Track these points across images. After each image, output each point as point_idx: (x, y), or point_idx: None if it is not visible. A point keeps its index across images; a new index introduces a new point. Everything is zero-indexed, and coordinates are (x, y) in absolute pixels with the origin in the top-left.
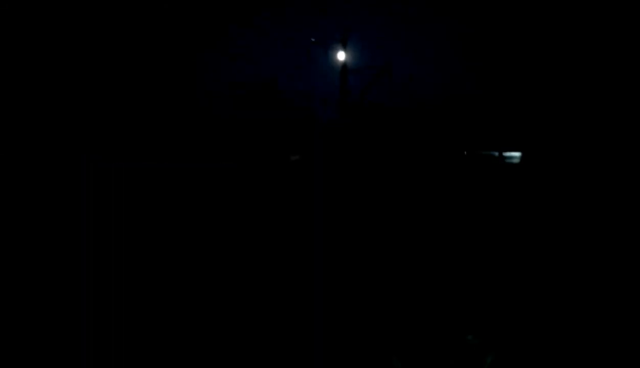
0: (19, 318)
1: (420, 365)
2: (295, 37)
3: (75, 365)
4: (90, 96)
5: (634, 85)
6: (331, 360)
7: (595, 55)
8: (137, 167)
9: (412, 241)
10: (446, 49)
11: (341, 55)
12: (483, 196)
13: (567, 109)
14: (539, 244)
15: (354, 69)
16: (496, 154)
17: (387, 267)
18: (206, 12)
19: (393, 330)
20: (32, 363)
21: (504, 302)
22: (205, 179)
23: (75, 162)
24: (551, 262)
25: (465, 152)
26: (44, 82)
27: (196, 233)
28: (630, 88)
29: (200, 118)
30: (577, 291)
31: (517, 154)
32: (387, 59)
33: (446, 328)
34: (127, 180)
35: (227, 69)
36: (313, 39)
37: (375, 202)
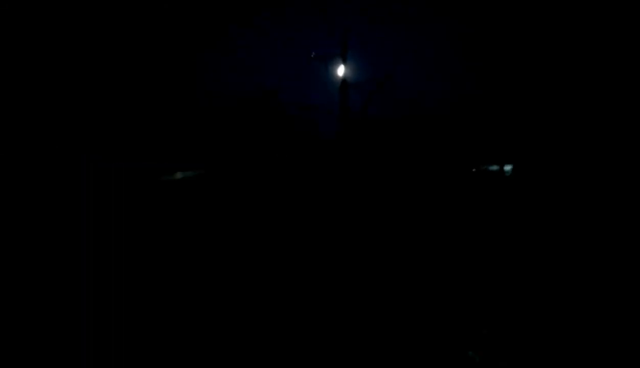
0: (18, 317)
1: None
2: (295, 51)
3: (75, 365)
4: (90, 97)
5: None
6: None
7: (593, 61)
8: (137, 167)
9: (413, 253)
10: (447, 61)
11: (341, 70)
12: (483, 210)
13: (565, 121)
14: (538, 257)
15: (354, 82)
16: (496, 168)
17: (388, 280)
18: (208, 19)
19: (391, 345)
20: (32, 362)
21: (504, 315)
22: (204, 181)
23: (75, 162)
24: (549, 276)
25: (465, 166)
26: (44, 82)
27: (196, 234)
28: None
29: (199, 128)
30: (577, 305)
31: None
32: (387, 71)
33: (447, 343)
34: (127, 180)
35: (226, 80)
36: (313, 54)
37: (379, 216)
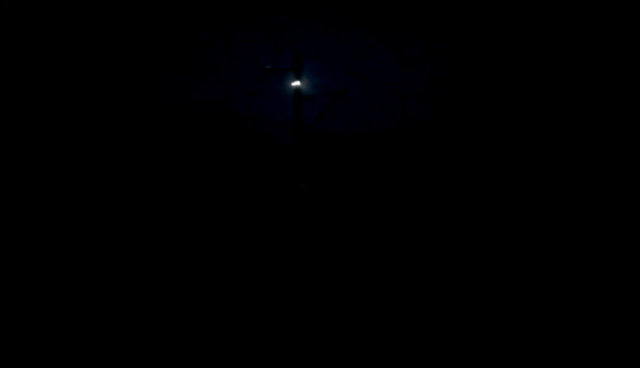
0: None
1: None
2: (251, 64)
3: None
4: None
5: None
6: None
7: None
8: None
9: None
10: (400, 80)
11: (295, 82)
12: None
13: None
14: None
15: (308, 95)
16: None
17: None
18: (165, 30)
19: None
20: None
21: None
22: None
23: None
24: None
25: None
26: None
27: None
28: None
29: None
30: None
31: None
32: (341, 86)
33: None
34: None
35: (184, 92)
36: (268, 66)
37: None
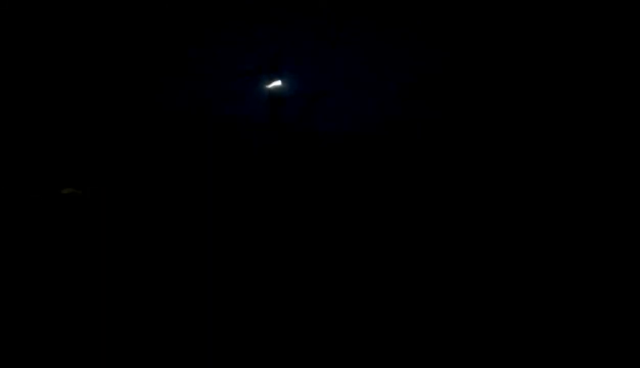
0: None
1: None
2: (229, 64)
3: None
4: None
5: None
6: None
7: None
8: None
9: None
10: (384, 75)
11: (274, 83)
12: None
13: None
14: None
15: (288, 96)
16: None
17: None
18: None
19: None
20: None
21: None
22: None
23: None
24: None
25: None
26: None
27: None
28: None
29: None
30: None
31: None
32: (324, 85)
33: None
34: None
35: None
36: (245, 67)
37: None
